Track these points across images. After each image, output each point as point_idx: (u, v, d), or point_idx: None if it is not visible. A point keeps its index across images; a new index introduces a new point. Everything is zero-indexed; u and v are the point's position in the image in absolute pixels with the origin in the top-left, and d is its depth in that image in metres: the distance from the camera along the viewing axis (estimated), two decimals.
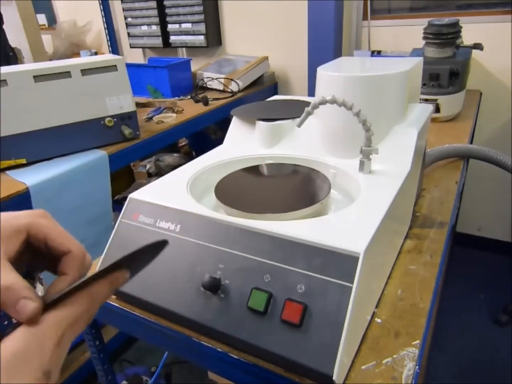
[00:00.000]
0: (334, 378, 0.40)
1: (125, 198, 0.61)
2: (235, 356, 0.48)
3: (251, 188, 0.62)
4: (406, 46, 1.62)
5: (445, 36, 1.26)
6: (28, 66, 1.20)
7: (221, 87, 1.90)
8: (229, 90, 1.87)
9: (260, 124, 0.73)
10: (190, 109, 1.67)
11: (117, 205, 1.54)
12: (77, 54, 2.49)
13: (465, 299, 1.75)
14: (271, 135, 0.73)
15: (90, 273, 0.29)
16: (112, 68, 1.22)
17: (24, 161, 1.14)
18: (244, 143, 0.74)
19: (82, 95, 1.19)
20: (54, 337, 0.25)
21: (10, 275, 0.26)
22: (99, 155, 1.21)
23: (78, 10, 2.65)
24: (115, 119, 1.27)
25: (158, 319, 0.54)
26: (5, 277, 0.26)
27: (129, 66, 1.31)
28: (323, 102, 0.55)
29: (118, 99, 1.26)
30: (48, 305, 0.26)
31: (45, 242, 0.31)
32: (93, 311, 0.28)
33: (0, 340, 0.24)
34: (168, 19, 2.24)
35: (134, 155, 1.37)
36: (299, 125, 0.60)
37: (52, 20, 2.84)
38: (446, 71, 1.25)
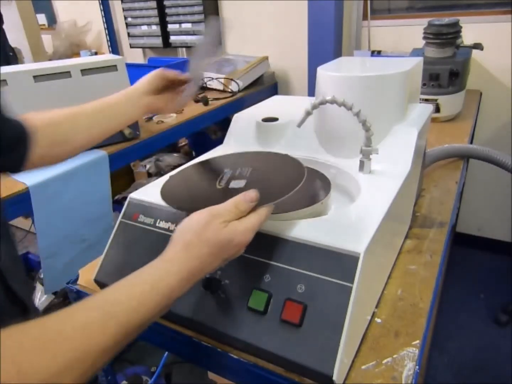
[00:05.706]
0: (334, 378, 0.40)
1: (125, 198, 0.61)
2: (235, 356, 0.48)
3: None
4: (406, 46, 1.62)
5: (445, 36, 1.26)
6: (28, 66, 1.20)
7: (221, 87, 1.90)
8: (229, 90, 1.87)
9: (260, 124, 0.73)
10: (190, 109, 1.67)
11: (117, 205, 1.54)
12: (77, 54, 2.49)
13: (465, 299, 1.75)
14: (271, 135, 0.73)
15: None
16: (112, 68, 1.22)
17: None
18: (244, 143, 0.74)
19: (82, 95, 1.19)
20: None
21: None
22: (99, 155, 1.21)
23: (78, 10, 2.65)
24: None
25: (158, 319, 0.54)
26: None
27: (129, 66, 1.31)
28: (323, 102, 0.55)
29: None
30: None
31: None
32: None
33: None
34: (168, 19, 2.24)
35: (134, 155, 1.37)
36: (299, 125, 0.60)
37: (52, 20, 2.84)
38: (446, 71, 1.25)
